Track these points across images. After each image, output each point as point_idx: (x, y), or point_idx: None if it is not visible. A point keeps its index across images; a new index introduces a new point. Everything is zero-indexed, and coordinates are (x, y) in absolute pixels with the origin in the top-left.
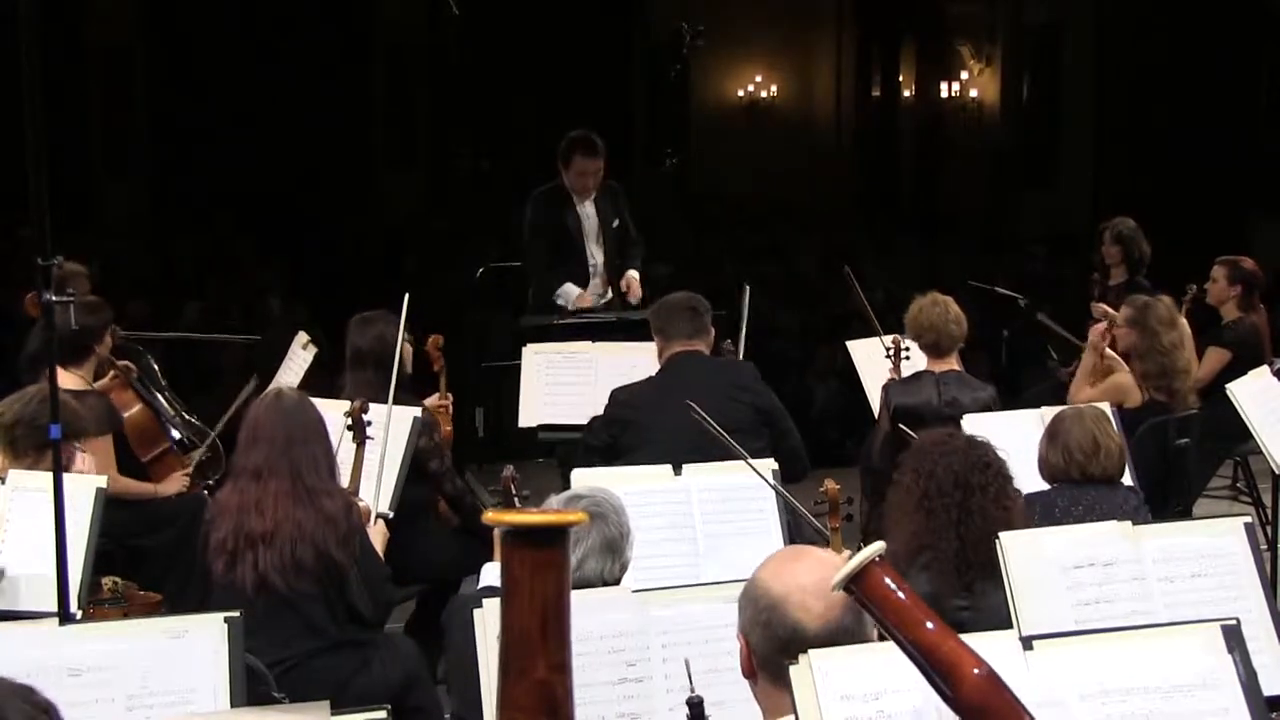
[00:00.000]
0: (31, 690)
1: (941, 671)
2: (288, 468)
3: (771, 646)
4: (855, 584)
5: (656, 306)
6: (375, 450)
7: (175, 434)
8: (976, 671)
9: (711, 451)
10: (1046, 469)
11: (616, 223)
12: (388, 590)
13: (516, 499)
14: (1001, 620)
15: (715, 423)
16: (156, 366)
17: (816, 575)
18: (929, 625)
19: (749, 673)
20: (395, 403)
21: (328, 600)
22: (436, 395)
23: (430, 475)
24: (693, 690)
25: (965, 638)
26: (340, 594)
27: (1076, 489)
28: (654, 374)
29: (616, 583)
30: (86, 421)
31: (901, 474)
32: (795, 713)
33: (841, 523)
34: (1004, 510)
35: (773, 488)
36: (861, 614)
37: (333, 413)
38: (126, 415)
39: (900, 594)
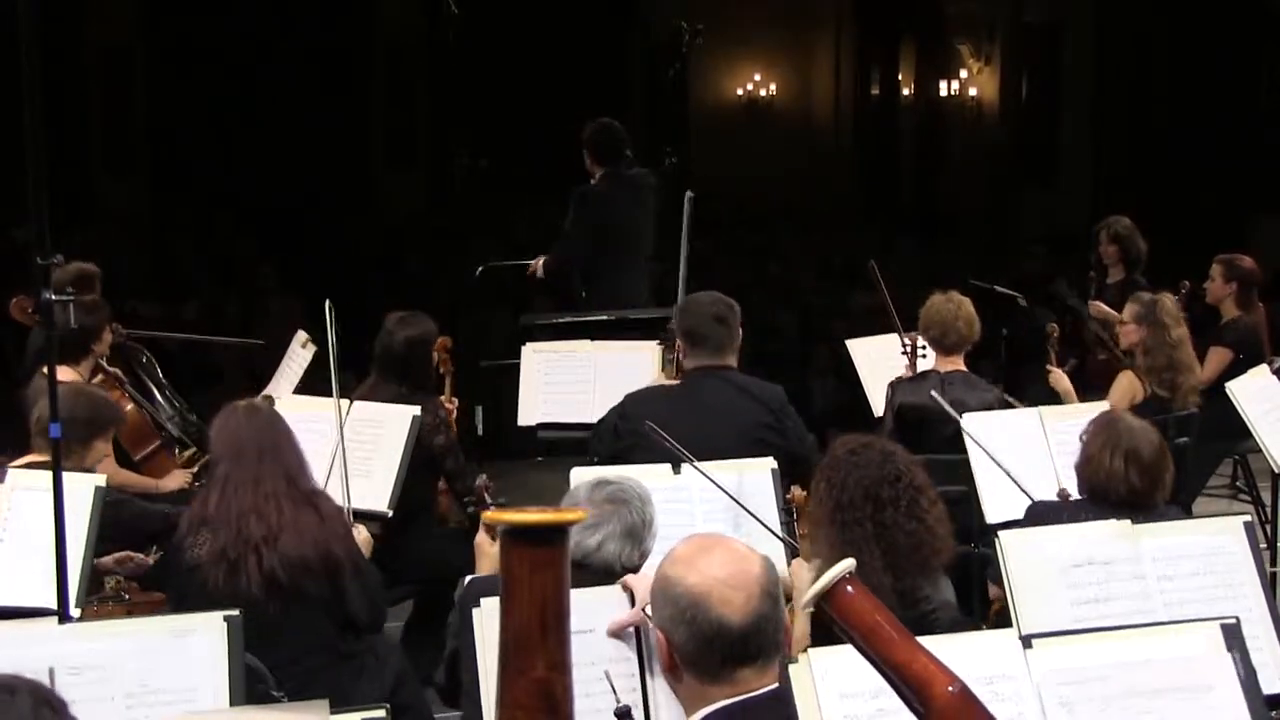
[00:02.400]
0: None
1: (914, 689)
2: (282, 473)
3: (698, 643)
4: (825, 602)
5: (681, 307)
6: (357, 450)
7: (172, 430)
8: (950, 689)
9: None
10: (1095, 475)
11: None
12: (382, 594)
13: (492, 506)
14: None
15: (733, 454)
16: (157, 365)
17: (731, 567)
18: (901, 643)
19: (670, 668)
20: (400, 402)
21: (330, 612)
22: (442, 398)
23: (445, 473)
24: (618, 701)
25: (966, 637)
26: (340, 603)
27: (1093, 513)
28: (673, 386)
29: (636, 569)
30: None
31: (816, 483)
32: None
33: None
34: (918, 522)
35: (735, 501)
36: (778, 599)
37: (327, 411)
38: None
39: (871, 611)
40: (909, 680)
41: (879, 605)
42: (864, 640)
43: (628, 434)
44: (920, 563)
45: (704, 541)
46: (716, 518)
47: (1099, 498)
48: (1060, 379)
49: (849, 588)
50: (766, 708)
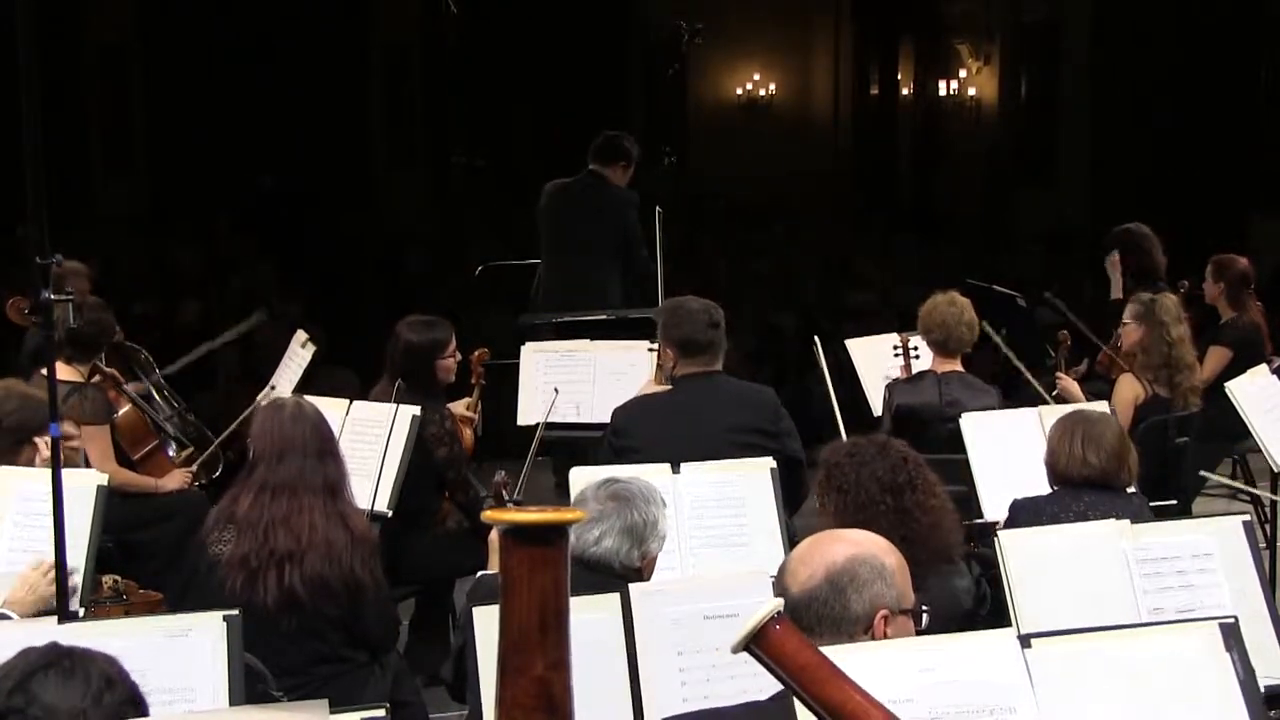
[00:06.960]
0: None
1: None
2: (321, 484)
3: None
4: (755, 643)
5: (668, 312)
6: (357, 450)
7: (169, 429)
8: None
9: None
10: (1058, 462)
11: None
12: (394, 611)
13: (509, 504)
14: (956, 601)
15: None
16: (155, 365)
17: (816, 547)
18: (834, 681)
19: None
20: (401, 403)
21: (346, 627)
22: (465, 402)
23: (446, 484)
24: None
25: (965, 636)
26: (357, 619)
27: (1069, 496)
28: (662, 394)
29: (637, 570)
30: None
31: (823, 495)
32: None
33: None
34: (937, 498)
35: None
36: (844, 591)
37: (334, 411)
38: (117, 416)
39: (802, 650)
40: (845, 719)
41: (809, 644)
42: (796, 680)
43: (622, 450)
44: (941, 548)
45: (848, 531)
46: (711, 521)
47: (1064, 482)
48: (1069, 387)
49: (777, 626)
50: None
